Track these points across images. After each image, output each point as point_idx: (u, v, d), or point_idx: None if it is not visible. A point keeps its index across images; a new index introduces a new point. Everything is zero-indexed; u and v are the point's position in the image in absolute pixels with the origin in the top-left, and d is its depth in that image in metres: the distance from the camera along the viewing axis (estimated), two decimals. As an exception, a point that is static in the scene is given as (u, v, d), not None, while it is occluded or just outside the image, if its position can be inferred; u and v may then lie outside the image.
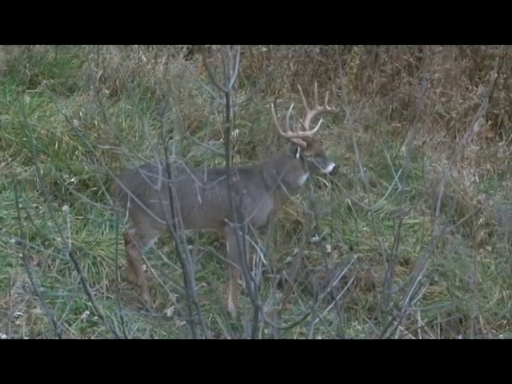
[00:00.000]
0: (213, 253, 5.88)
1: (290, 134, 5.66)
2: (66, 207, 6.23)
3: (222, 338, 5.24)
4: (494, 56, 8.23)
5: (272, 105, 5.93)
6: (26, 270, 5.27)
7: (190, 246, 3.73)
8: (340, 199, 6.48)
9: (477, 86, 8.06)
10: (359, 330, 5.67)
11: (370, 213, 6.32)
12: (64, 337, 4.97)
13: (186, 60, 7.98)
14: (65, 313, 5.18)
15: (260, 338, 3.07)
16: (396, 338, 3.35)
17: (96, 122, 6.77)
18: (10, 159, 6.52)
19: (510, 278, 6.10)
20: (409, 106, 7.88)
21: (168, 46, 7.76)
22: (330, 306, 3.29)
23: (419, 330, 4.70)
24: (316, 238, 6.11)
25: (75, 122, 6.76)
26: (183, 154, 6.51)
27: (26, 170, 6.43)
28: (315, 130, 5.72)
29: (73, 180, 6.41)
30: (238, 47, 2.94)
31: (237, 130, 6.95)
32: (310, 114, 5.76)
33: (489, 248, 6.49)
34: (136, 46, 7.64)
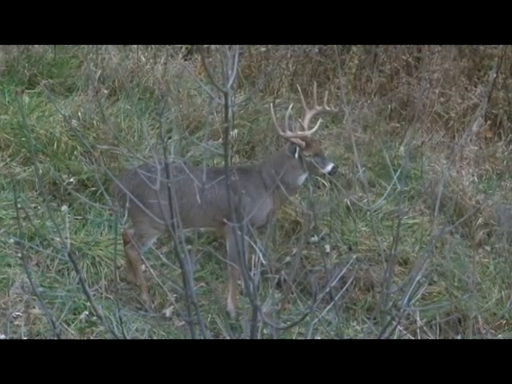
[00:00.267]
0: (212, 253, 5.88)
1: (288, 134, 5.66)
2: (64, 207, 6.23)
3: (220, 338, 5.24)
4: (492, 56, 8.23)
5: (271, 105, 5.92)
6: (25, 270, 5.26)
7: (189, 246, 3.74)
8: (339, 199, 6.49)
9: (476, 86, 8.05)
10: (358, 330, 5.67)
11: (368, 213, 6.32)
12: (63, 337, 4.97)
13: (185, 60, 7.98)
14: (64, 313, 5.18)
15: (259, 338, 3.06)
16: (395, 338, 3.35)
17: (95, 122, 6.77)
18: (8, 159, 6.51)
19: (509, 278, 6.10)
20: (408, 106, 7.88)
21: (167, 46, 7.76)
22: (329, 306, 3.29)
23: (418, 330, 4.71)
24: (315, 238, 6.10)
25: (74, 122, 6.75)
26: (182, 154, 6.50)
27: (24, 170, 6.42)
28: (314, 129, 5.72)
29: (72, 180, 6.40)
30: (236, 47, 2.94)
31: (236, 130, 6.94)
32: (309, 114, 5.76)
33: (488, 248, 6.49)
34: (135, 46, 7.64)
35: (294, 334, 5.09)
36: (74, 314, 5.35)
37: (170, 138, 6.70)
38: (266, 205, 5.60)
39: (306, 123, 5.72)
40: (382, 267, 5.62)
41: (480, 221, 6.54)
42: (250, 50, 8.08)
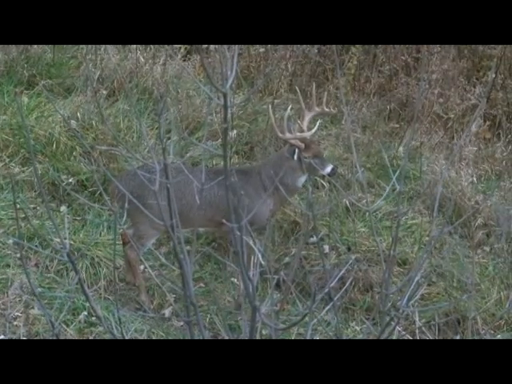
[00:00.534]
0: (211, 253, 5.88)
1: (287, 135, 5.65)
2: (63, 208, 6.23)
3: (219, 338, 5.23)
4: (491, 57, 8.24)
5: (270, 106, 5.90)
6: (24, 270, 5.26)
7: (188, 247, 3.74)
8: (338, 200, 6.49)
9: (475, 87, 8.06)
10: (357, 330, 5.66)
11: (367, 213, 6.32)
12: (62, 337, 4.97)
13: (184, 61, 7.98)
14: (63, 313, 5.18)
15: (258, 338, 3.06)
16: (394, 338, 3.35)
17: (94, 123, 6.77)
18: (7, 160, 6.52)
19: (508, 279, 6.11)
20: (407, 107, 7.88)
21: (166, 46, 7.76)
22: (328, 306, 3.28)
23: (417, 331, 4.71)
24: (314, 239, 6.11)
25: (73, 123, 6.75)
26: (181, 154, 6.51)
27: (23, 171, 6.42)
28: (313, 131, 5.72)
29: (71, 181, 6.40)
30: (235, 48, 2.94)
31: (235, 131, 6.95)
32: (308, 116, 5.75)
33: (487, 249, 6.50)
34: (134, 46, 7.64)
35: (293, 335, 5.10)
36: (73, 315, 5.35)
37: (169, 138, 6.71)
38: (266, 206, 5.59)
39: (305, 125, 5.71)
40: (381, 268, 5.62)
41: (479, 221, 6.54)
42: (249, 51, 8.08)
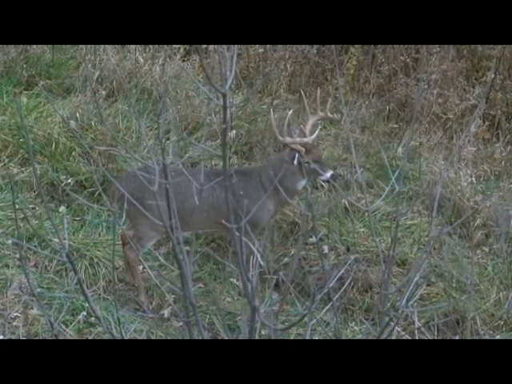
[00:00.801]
0: (210, 254, 5.88)
1: (287, 139, 5.62)
2: (62, 208, 6.23)
3: (219, 338, 5.23)
4: (490, 57, 8.25)
5: (271, 110, 5.85)
6: (23, 270, 5.26)
7: (187, 247, 3.74)
8: (337, 200, 6.49)
9: (474, 87, 8.07)
10: (356, 330, 5.66)
11: (367, 214, 6.32)
12: (61, 338, 4.97)
13: (183, 61, 7.99)
14: (62, 314, 5.18)
15: (257, 338, 3.06)
16: (393, 338, 3.35)
17: (93, 123, 6.77)
18: (6, 160, 6.51)
19: (507, 279, 6.11)
20: (406, 107, 7.89)
21: (165, 46, 7.76)
22: (327, 306, 3.29)
23: (416, 331, 4.71)
24: (313, 239, 6.11)
25: (72, 123, 6.75)
26: (180, 155, 6.51)
27: (22, 171, 6.42)
28: (314, 135, 5.69)
29: (70, 181, 6.40)
30: (234, 48, 2.94)
31: (234, 131, 6.94)
32: (312, 120, 5.72)
33: (486, 249, 6.50)
34: (133, 47, 7.64)
35: (293, 335, 5.10)
36: (72, 315, 5.35)
37: (168, 138, 6.70)
38: (267, 207, 5.59)
39: (307, 128, 5.68)
40: (380, 268, 5.60)
41: (478, 222, 6.54)
42: (248, 51, 8.08)
